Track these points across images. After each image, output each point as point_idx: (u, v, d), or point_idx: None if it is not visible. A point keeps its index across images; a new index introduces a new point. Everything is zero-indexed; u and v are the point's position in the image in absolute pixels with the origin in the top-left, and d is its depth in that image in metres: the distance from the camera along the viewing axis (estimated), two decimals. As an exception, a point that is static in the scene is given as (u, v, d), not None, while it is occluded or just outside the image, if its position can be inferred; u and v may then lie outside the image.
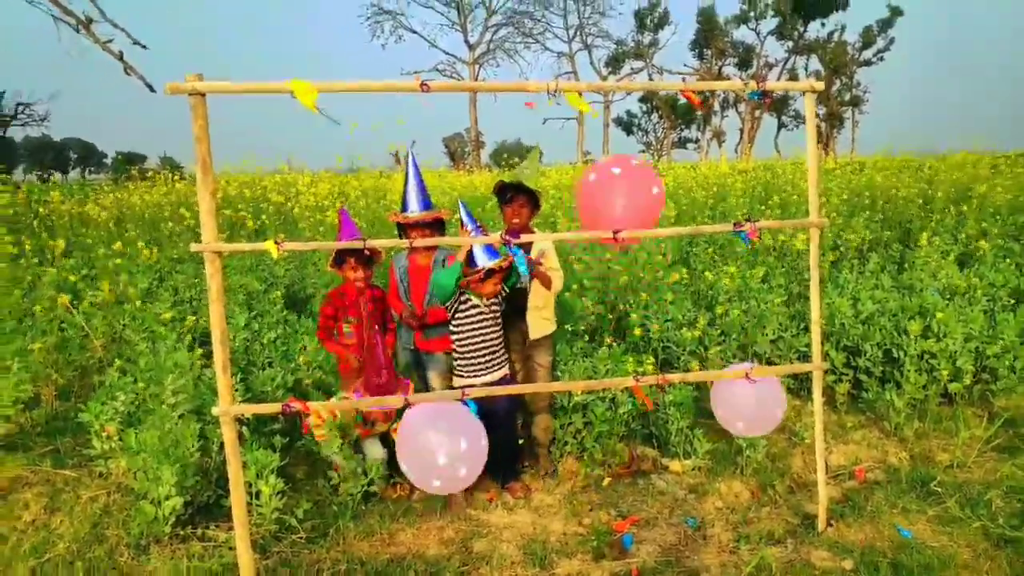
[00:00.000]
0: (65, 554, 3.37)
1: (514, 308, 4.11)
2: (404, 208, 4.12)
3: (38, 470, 4.18)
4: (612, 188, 3.19)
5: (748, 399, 3.28)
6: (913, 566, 3.22)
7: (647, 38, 49.27)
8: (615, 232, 3.09)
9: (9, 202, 9.50)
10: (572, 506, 3.92)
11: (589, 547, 3.51)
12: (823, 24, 46.45)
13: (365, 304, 4.05)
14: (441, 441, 2.88)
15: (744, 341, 5.29)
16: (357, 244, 3.21)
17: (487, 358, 3.90)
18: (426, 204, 4.13)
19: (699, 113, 50.78)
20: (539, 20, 46.67)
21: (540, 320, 4.19)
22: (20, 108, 19.48)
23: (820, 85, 3.30)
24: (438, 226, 4.18)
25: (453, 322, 3.89)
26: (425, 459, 2.88)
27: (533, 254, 4.09)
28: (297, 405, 2.99)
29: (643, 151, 54.81)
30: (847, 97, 49.21)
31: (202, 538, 3.51)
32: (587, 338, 5.33)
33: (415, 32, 45.12)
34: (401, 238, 4.17)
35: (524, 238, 3.43)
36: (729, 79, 44.90)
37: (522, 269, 3.43)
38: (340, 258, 3.99)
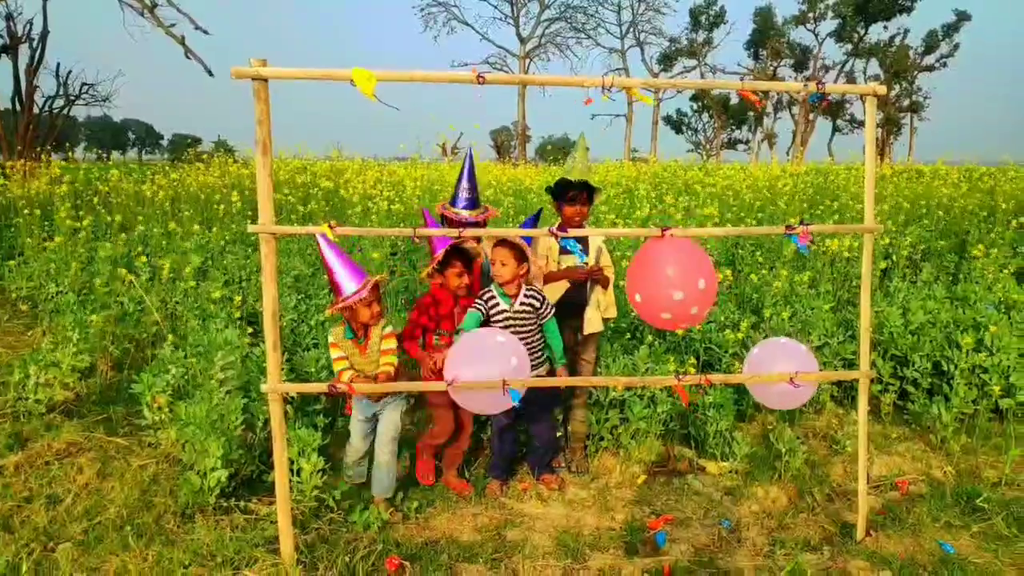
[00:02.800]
0: (115, 518, 3.50)
1: (572, 305, 4.15)
2: (454, 203, 4.19)
3: (92, 437, 4.35)
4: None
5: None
6: (954, 582, 3.16)
7: (701, 36, 48.59)
8: (663, 229, 3.09)
9: (70, 179, 9.85)
10: (606, 501, 3.94)
11: (622, 542, 3.53)
12: (885, 27, 45.18)
13: (458, 316, 3.96)
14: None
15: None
16: (410, 231, 3.25)
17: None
18: (476, 203, 4.21)
19: (751, 114, 49.93)
20: (592, 15, 46.38)
21: (597, 318, 4.23)
22: (84, 88, 20.04)
23: (882, 89, 3.23)
24: (484, 224, 4.26)
25: (489, 320, 3.93)
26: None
27: (592, 253, 4.14)
28: (343, 385, 3.06)
29: (691, 150, 54.15)
30: (906, 103, 47.87)
31: (244, 511, 3.61)
32: (628, 335, 5.32)
33: (467, 24, 45.24)
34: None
35: (576, 232, 3.47)
36: (783, 81, 44.09)
37: (576, 254, 3.51)
38: (446, 262, 3.90)
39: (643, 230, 3.23)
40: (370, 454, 3.88)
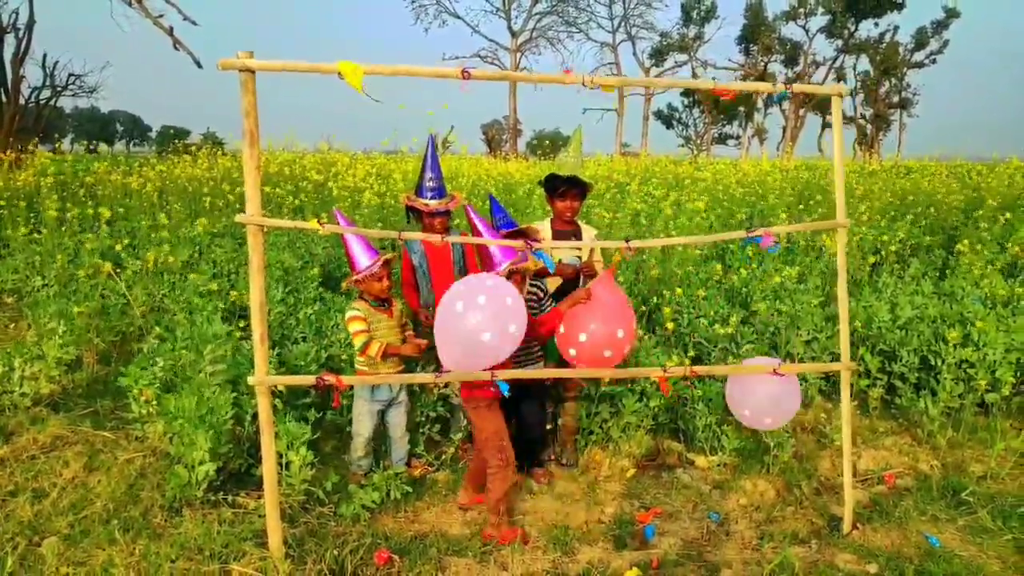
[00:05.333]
0: (101, 512, 3.48)
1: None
2: (420, 193, 4.18)
3: (78, 430, 4.32)
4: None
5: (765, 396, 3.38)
6: (940, 574, 3.18)
7: (692, 31, 48.57)
8: (627, 239, 3.16)
9: (56, 170, 9.76)
10: (595, 495, 3.94)
11: (611, 536, 3.53)
12: (876, 24, 45.35)
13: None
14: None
15: (777, 341, 5.24)
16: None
17: (518, 354, 3.89)
18: (443, 192, 4.20)
19: (742, 109, 49.98)
20: (584, 9, 46.25)
21: None
22: (71, 79, 19.84)
23: (845, 89, 3.33)
24: (450, 213, 4.27)
25: None
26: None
27: (584, 251, 4.14)
28: (331, 379, 3.04)
29: (682, 145, 54.19)
30: (896, 99, 48.08)
31: (232, 504, 3.59)
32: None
33: (458, 17, 45.03)
34: (408, 222, 4.27)
35: (558, 237, 3.49)
36: (774, 76, 44.23)
37: (548, 265, 3.49)
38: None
39: (608, 243, 3.29)
40: (375, 440, 4.10)
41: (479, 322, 2.93)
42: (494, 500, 3.51)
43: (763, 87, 3.33)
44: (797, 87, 3.24)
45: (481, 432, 3.57)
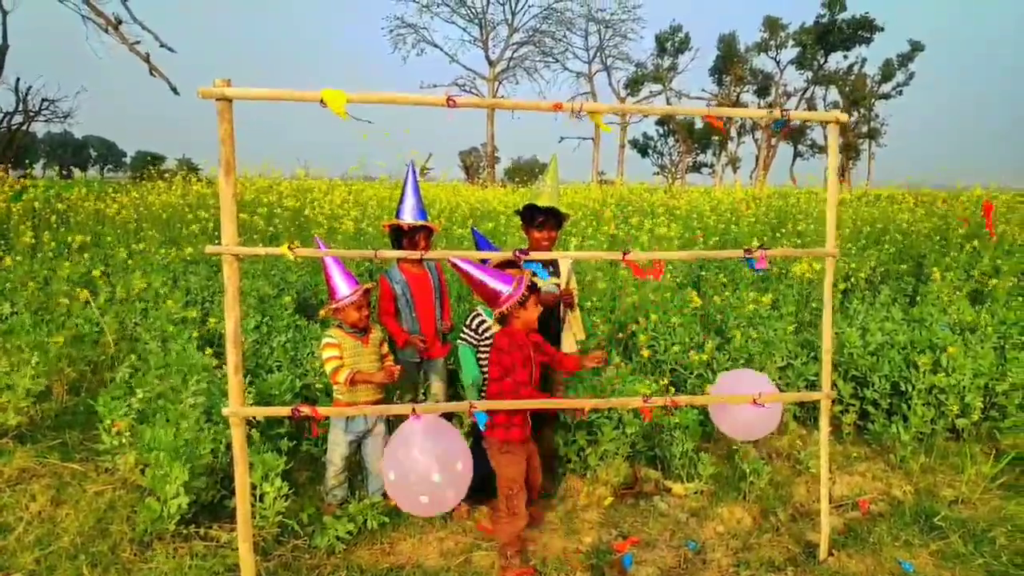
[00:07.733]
0: (69, 547, 3.40)
1: (546, 328, 4.06)
2: (399, 215, 4.22)
3: (46, 462, 4.22)
4: None
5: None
6: (914, 600, 3.20)
7: (667, 62, 49.47)
8: (624, 252, 3.14)
9: (30, 196, 9.63)
10: (572, 523, 3.93)
11: (589, 565, 3.52)
12: (845, 56, 46.60)
13: (535, 355, 3.51)
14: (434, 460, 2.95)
15: (752, 367, 5.28)
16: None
17: None
18: (425, 215, 4.25)
19: (716, 138, 50.81)
20: (560, 40, 46.92)
21: (571, 340, 4.24)
22: (44, 104, 19.70)
23: (844, 116, 3.30)
24: (430, 234, 4.28)
25: (479, 350, 3.88)
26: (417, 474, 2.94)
27: (563, 277, 4.16)
28: (307, 409, 3.02)
29: (657, 173, 54.88)
30: (864, 129, 49.22)
31: (204, 537, 3.52)
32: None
33: (436, 46, 45.43)
34: (391, 246, 4.29)
35: (540, 255, 3.48)
36: (746, 106, 45.03)
37: (544, 277, 3.50)
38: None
39: (606, 253, 3.27)
40: (349, 471, 4.02)
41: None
42: (500, 545, 3.47)
43: (759, 114, 3.37)
44: (795, 114, 3.26)
45: (497, 476, 3.50)
